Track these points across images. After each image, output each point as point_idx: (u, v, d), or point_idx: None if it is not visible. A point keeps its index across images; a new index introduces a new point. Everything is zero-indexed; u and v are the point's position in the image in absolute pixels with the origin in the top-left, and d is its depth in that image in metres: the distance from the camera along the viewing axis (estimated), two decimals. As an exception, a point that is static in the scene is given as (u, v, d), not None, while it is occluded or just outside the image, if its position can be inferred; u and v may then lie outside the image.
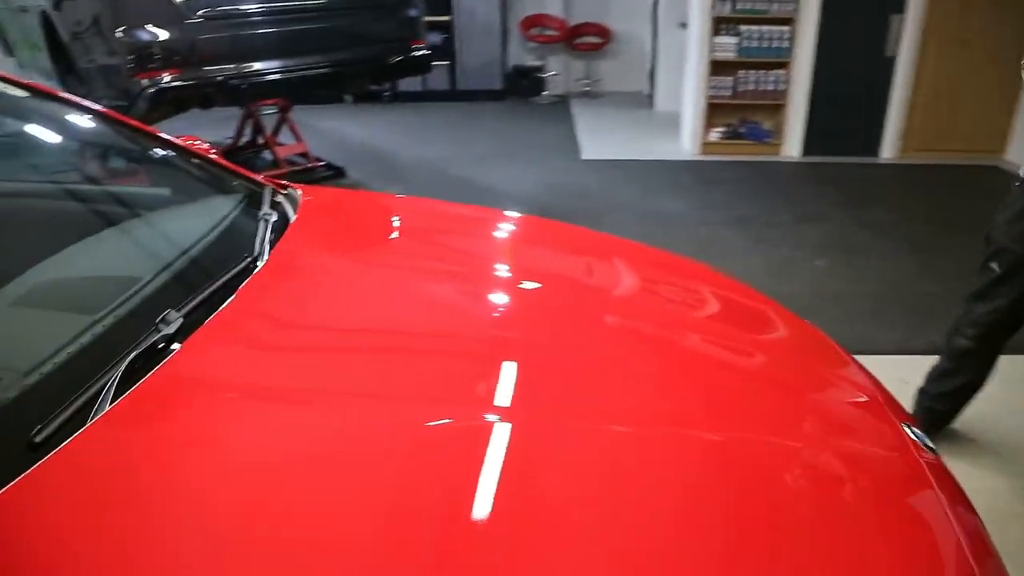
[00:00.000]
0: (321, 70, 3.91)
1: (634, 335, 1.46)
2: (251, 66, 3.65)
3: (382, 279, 1.57)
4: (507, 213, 2.10)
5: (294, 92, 5.10)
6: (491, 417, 1.09)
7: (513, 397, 1.13)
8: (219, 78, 3.49)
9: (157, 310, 1.16)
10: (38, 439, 0.89)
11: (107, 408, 0.95)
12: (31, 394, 0.97)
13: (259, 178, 1.97)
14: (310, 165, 5.83)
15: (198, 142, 2.07)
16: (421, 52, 4.05)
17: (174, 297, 1.22)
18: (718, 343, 1.48)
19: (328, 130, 7.24)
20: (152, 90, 3.35)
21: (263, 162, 6.03)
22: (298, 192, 1.90)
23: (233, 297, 1.27)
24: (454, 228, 2.02)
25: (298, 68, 3.83)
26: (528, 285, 1.61)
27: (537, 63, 8.44)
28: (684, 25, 6.67)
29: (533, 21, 8.18)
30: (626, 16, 8.25)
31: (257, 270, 1.40)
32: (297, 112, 7.65)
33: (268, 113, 6.09)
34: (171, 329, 1.12)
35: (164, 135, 1.95)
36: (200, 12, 3.39)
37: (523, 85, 8.32)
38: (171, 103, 3.69)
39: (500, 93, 8.30)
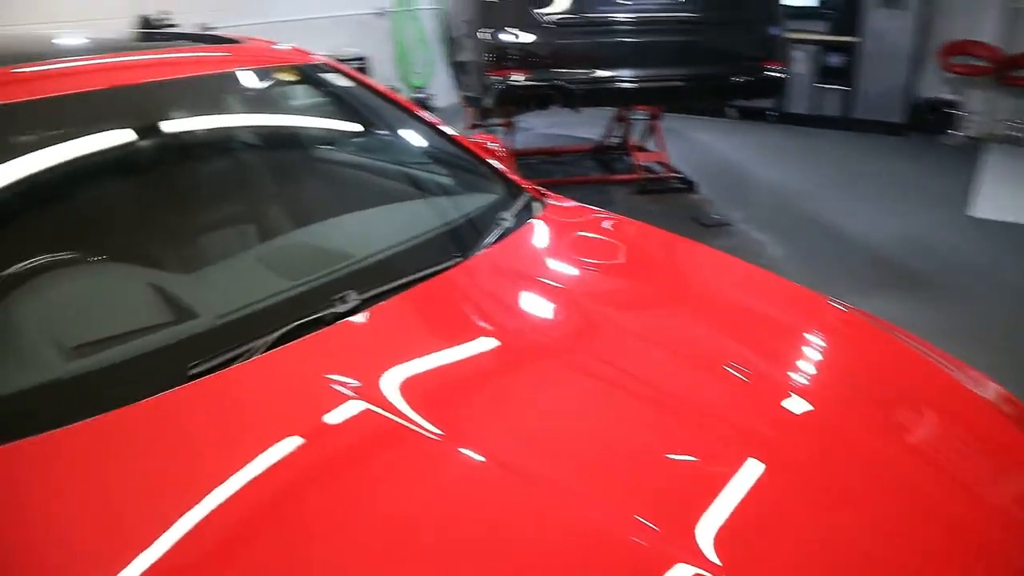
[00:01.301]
0: (659, 83, 4.00)
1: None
2: (592, 73, 3.91)
3: (554, 305, 1.66)
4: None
5: (627, 101, 5.27)
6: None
7: None
8: (559, 82, 3.84)
9: (345, 287, 1.43)
10: (194, 371, 1.20)
11: (254, 357, 1.24)
12: (214, 332, 1.30)
13: (525, 184, 2.16)
14: (664, 175, 5.98)
15: (491, 143, 2.34)
16: (773, 74, 3.86)
17: (368, 280, 1.48)
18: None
19: (699, 143, 7.30)
20: (500, 87, 3.86)
21: (623, 165, 6.35)
22: (542, 204, 2.06)
23: (409, 289, 1.49)
24: (675, 278, 1.99)
25: (635, 79, 3.98)
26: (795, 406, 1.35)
27: (953, 97, 7.40)
28: None
29: (957, 48, 7.16)
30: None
31: (449, 268, 1.60)
32: (674, 121, 7.86)
33: (639, 119, 6.37)
34: (342, 308, 1.36)
35: (451, 131, 2.25)
36: (558, 21, 3.77)
37: (929, 120, 7.37)
38: (514, 100, 4.13)
39: (900, 127, 7.47)
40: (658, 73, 4.00)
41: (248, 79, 2.21)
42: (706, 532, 1.02)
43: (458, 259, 1.67)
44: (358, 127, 2.41)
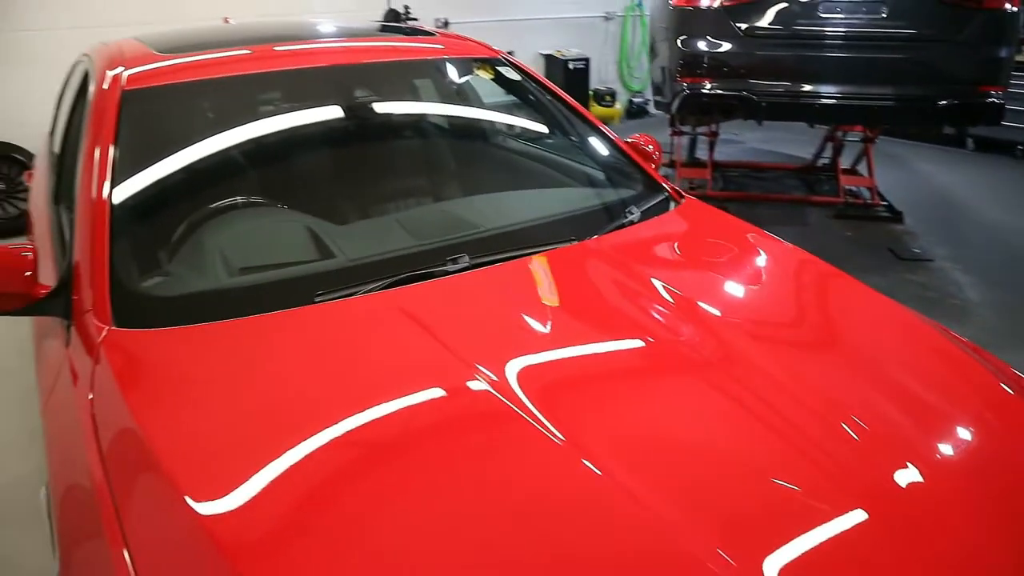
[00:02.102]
0: (850, 101, 3.82)
1: None
2: (779, 86, 3.83)
3: (637, 307, 1.67)
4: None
5: (813, 118, 4.98)
6: None
7: None
8: (744, 92, 3.81)
9: (460, 251, 1.68)
10: (318, 298, 1.51)
11: (363, 293, 1.52)
12: (342, 271, 1.61)
13: (667, 184, 2.28)
14: (870, 202, 5.64)
15: (648, 145, 2.48)
16: (989, 100, 3.54)
17: (482, 248, 1.71)
18: None
19: (920, 172, 6.76)
20: (686, 93, 3.93)
21: (828, 187, 6.06)
22: (672, 205, 2.16)
23: (512, 260, 1.70)
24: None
25: (827, 96, 3.83)
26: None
27: None
28: None
29: None
30: None
31: (553, 249, 1.78)
32: (897, 146, 7.34)
33: (852, 140, 6.04)
34: (452, 267, 1.62)
35: (605, 129, 2.42)
36: (752, 32, 3.74)
37: None
38: (699, 108, 4.15)
39: None
40: (852, 91, 3.83)
41: (436, 67, 2.55)
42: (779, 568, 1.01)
43: (571, 241, 1.85)
44: (520, 115, 2.64)
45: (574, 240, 1.86)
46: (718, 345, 1.49)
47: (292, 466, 1.15)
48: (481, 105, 2.62)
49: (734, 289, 1.83)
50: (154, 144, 1.92)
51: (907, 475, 1.20)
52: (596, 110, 8.49)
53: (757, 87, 3.89)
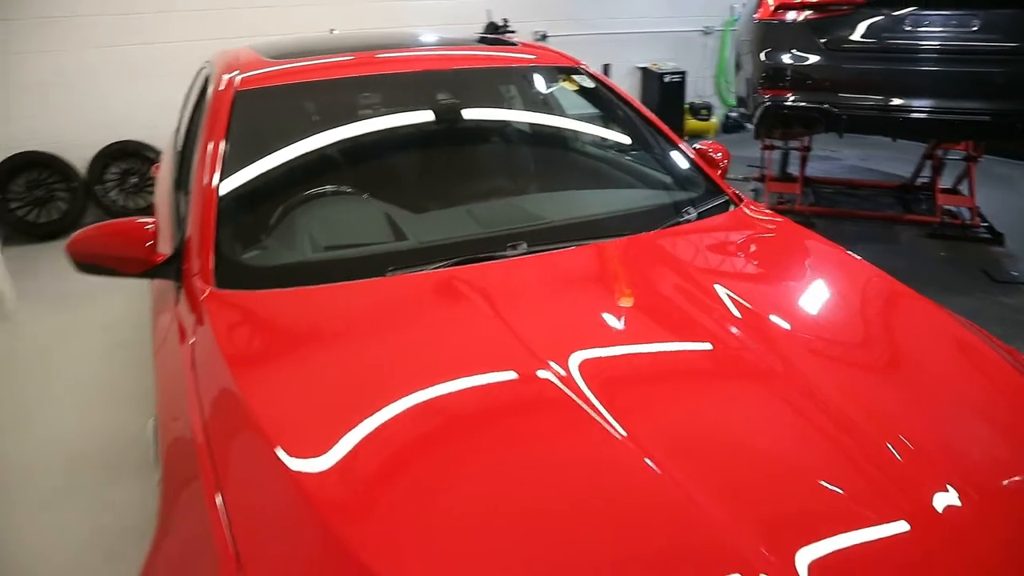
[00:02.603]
0: (931, 116, 3.74)
1: None
2: (860, 100, 3.81)
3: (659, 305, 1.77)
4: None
5: (895, 132, 4.81)
6: None
7: None
8: (825, 105, 3.82)
9: (520, 240, 1.85)
10: (389, 271, 1.72)
11: (428, 270, 1.72)
12: (411, 251, 1.82)
13: (727, 188, 2.39)
14: (968, 223, 5.46)
15: (714, 152, 2.60)
16: None
17: (539, 238, 1.89)
18: None
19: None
20: (765, 105, 3.98)
21: (926, 206, 5.88)
22: (731, 209, 2.26)
23: (557, 251, 1.86)
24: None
25: (907, 109, 3.78)
26: None
27: None
28: None
29: None
30: None
31: (597, 243, 1.93)
32: (1011, 167, 7.00)
33: (954, 159, 5.85)
34: (511, 253, 1.81)
35: (671, 134, 2.55)
36: (833, 46, 3.76)
37: None
38: (779, 119, 4.17)
39: None
40: (934, 105, 3.77)
41: (514, 74, 2.75)
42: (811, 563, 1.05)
43: (624, 235, 1.99)
44: (592, 121, 2.81)
45: (627, 234, 2.00)
46: (774, 349, 1.53)
47: (374, 430, 1.29)
48: (556, 110, 2.80)
49: (784, 291, 1.89)
50: (259, 138, 2.20)
51: (947, 498, 1.20)
52: (691, 124, 8.51)
53: (838, 100, 3.89)
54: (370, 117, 2.39)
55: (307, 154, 2.22)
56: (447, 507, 1.13)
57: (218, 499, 1.20)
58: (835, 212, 5.98)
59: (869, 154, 7.74)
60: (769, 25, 4.02)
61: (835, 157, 7.95)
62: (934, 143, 5.58)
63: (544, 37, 7.85)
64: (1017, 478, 1.32)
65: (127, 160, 6.00)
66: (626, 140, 2.67)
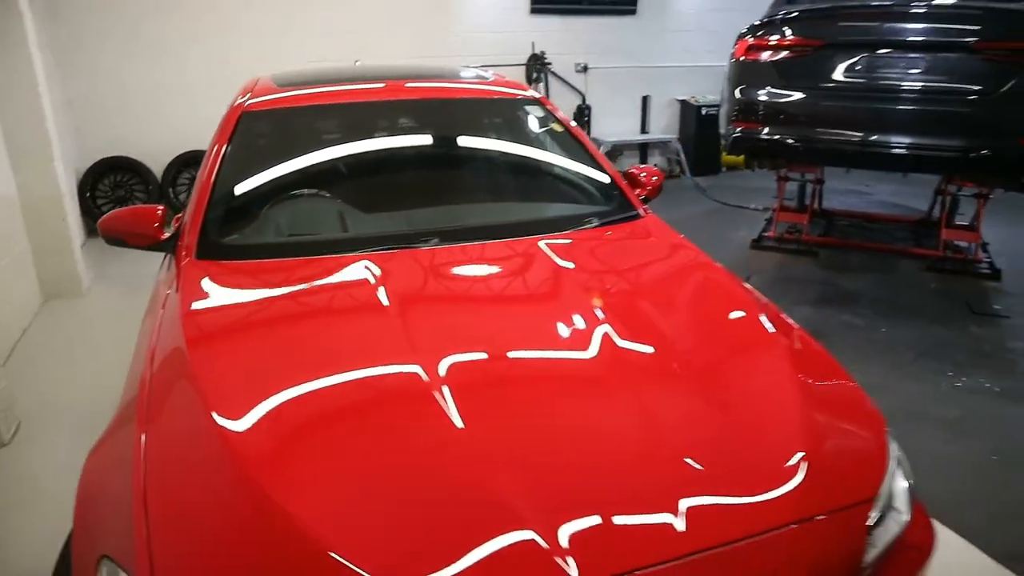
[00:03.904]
0: (877, 150, 4.02)
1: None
2: (818, 133, 4.16)
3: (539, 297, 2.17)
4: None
5: (844, 163, 5.14)
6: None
7: None
8: (787, 139, 4.18)
9: (433, 236, 2.36)
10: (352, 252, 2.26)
11: (360, 254, 2.24)
12: (349, 240, 2.34)
13: (635, 203, 2.82)
14: (971, 258, 5.61)
15: (650, 175, 3.04)
16: (1019, 155, 3.58)
17: (452, 235, 2.39)
18: None
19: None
20: (735, 136, 4.39)
21: (934, 239, 6.02)
22: (634, 220, 2.69)
23: (470, 244, 2.34)
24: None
25: (857, 143, 4.08)
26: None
27: None
28: None
29: None
30: None
31: (507, 240, 2.39)
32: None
33: (966, 195, 5.97)
34: (423, 245, 2.32)
35: (603, 158, 2.99)
36: (799, 85, 4.16)
37: None
38: (747, 150, 4.55)
39: None
40: (882, 139, 4.06)
41: (480, 104, 3.25)
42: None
43: (522, 238, 2.44)
44: (537, 143, 3.25)
45: (529, 235, 2.45)
46: (613, 355, 1.80)
47: (278, 394, 1.62)
48: (506, 135, 3.27)
49: (639, 293, 2.25)
50: (252, 149, 2.77)
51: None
52: (726, 156, 8.81)
53: (796, 133, 4.26)
54: (341, 135, 2.94)
55: (286, 163, 2.77)
56: (320, 455, 1.48)
57: (141, 444, 1.52)
58: (841, 243, 6.22)
59: (899, 190, 7.87)
60: (742, 64, 4.41)
61: (866, 192, 8.11)
62: (944, 179, 5.78)
63: (585, 68, 8.35)
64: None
65: (196, 167, 6.80)
66: (560, 161, 3.13)
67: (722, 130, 4.62)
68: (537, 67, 7.99)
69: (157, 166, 6.68)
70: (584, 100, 8.47)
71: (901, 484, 1.69)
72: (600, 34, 8.36)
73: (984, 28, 3.81)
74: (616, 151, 8.74)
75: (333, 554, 1.23)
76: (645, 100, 8.85)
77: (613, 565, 1.27)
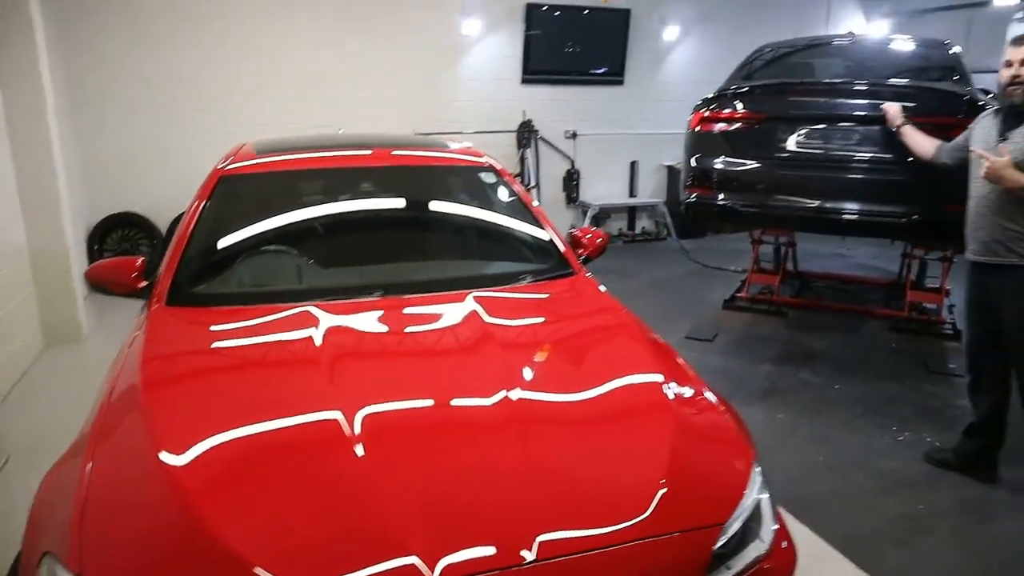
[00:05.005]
0: (812, 214, 4.29)
1: None
2: (758, 198, 4.46)
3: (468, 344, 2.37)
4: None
5: (783, 225, 5.65)
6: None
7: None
8: (738, 206, 4.49)
9: (377, 289, 2.64)
10: (286, 303, 2.53)
11: (314, 303, 2.51)
12: (305, 291, 2.65)
13: (572, 262, 3.09)
14: (933, 319, 5.81)
15: (594, 237, 3.32)
16: (948, 220, 3.69)
17: (395, 289, 2.66)
18: None
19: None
20: (688, 201, 4.70)
21: (900, 301, 6.20)
22: (568, 277, 2.96)
23: (408, 297, 2.62)
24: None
25: (796, 208, 4.38)
26: None
27: None
28: None
29: None
30: None
31: (444, 295, 2.65)
32: None
33: (932, 258, 6.17)
34: (369, 296, 2.59)
35: (545, 220, 3.27)
36: (743, 154, 4.49)
37: None
38: (699, 214, 4.85)
39: None
40: (817, 204, 4.34)
41: (435, 171, 3.56)
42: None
43: (458, 292, 2.70)
44: (485, 205, 3.51)
45: (465, 289, 2.69)
46: (508, 409, 1.97)
47: (217, 433, 1.83)
48: (460, 199, 3.57)
49: (555, 345, 2.47)
50: (226, 209, 3.07)
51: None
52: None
53: (749, 199, 4.56)
54: (307, 198, 3.25)
55: (256, 222, 3.08)
56: (245, 484, 1.71)
57: (88, 467, 1.73)
58: (810, 303, 6.45)
59: (881, 252, 8.09)
60: (697, 135, 4.73)
61: (847, 255, 8.35)
62: (909, 246, 6.03)
63: (575, 135, 8.75)
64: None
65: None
66: (505, 222, 3.42)
67: (681, 196, 4.92)
68: (527, 133, 8.40)
69: (162, 221, 7.06)
70: (573, 165, 8.84)
71: (766, 513, 1.90)
72: (589, 102, 8.78)
73: (916, 105, 4.12)
74: (604, 214, 9.07)
75: (258, 569, 1.44)
76: (633, 165, 9.22)
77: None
